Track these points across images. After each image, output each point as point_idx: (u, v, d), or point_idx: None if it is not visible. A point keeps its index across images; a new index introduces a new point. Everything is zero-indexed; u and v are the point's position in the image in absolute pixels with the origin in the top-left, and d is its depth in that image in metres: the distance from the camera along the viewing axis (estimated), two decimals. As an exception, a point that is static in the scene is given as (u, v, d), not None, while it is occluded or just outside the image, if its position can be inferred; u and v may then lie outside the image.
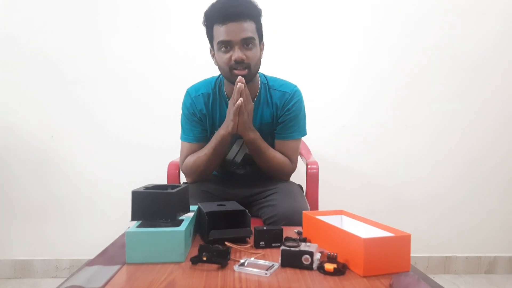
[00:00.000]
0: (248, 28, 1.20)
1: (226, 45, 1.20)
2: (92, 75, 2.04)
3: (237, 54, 1.19)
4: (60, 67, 2.03)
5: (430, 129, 2.14)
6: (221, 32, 1.19)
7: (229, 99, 1.33)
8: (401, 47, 2.09)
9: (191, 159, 1.36)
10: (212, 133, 1.36)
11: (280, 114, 1.35)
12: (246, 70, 1.21)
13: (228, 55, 1.21)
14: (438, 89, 2.12)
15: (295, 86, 1.39)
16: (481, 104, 2.13)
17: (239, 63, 1.20)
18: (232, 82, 1.25)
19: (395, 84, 2.11)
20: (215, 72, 1.40)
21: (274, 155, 1.35)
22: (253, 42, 1.22)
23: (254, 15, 1.23)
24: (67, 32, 2.02)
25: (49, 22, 2.01)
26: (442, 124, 2.13)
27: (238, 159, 1.41)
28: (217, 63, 1.28)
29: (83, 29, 2.02)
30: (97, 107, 2.06)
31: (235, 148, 1.39)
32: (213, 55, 1.30)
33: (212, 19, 1.22)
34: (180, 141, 1.44)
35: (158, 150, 2.01)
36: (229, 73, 1.23)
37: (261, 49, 1.30)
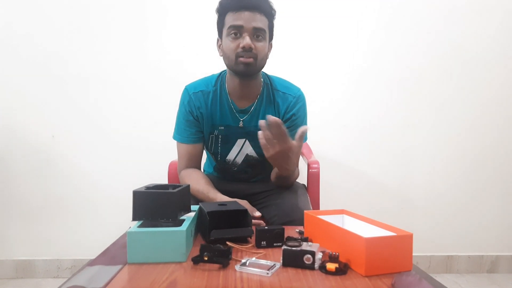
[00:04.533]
0: (260, 19, 1.20)
1: (236, 32, 1.18)
2: (93, 75, 2.05)
3: (246, 41, 1.16)
4: (61, 68, 2.03)
5: (432, 129, 2.13)
6: (233, 17, 1.18)
7: (230, 97, 1.31)
8: (403, 46, 2.09)
9: (186, 179, 1.32)
10: (212, 133, 1.34)
11: (284, 119, 1.32)
12: (252, 59, 1.19)
13: (236, 42, 1.18)
14: (440, 89, 2.12)
15: (299, 90, 1.36)
16: (484, 103, 2.13)
17: (247, 51, 1.18)
18: (237, 71, 1.22)
19: (396, 84, 2.11)
20: (216, 71, 1.39)
21: (295, 173, 1.32)
22: (264, 35, 1.21)
23: (269, 12, 1.23)
24: (68, 33, 2.02)
25: (50, 23, 2.01)
26: (443, 123, 2.13)
27: (239, 160, 1.39)
28: (222, 53, 1.25)
29: (83, 30, 2.02)
30: (98, 107, 2.06)
31: (235, 149, 1.37)
32: (219, 46, 1.27)
33: (226, 6, 1.21)
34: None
35: (159, 150, 2.01)
36: (234, 61, 1.20)
37: (269, 48, 1.29)
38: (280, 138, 1.07)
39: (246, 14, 1.17)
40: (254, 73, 1.24)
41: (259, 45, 1.20)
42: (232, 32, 1.19)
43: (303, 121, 1.35)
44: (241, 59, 1.19)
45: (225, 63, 1.26)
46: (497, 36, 2.09)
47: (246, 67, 1.20)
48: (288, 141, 1.08)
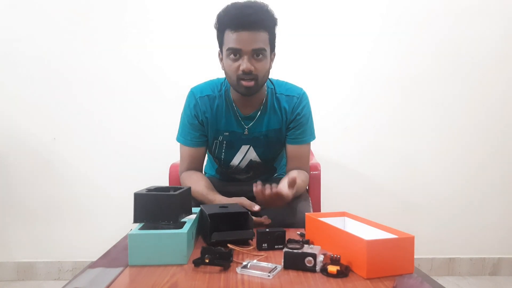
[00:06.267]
0: (260, 38, 1.15)
1: (236, 53, 1.16)
2: (94, 78, 2.05)
3: (245, 64, 1.14)
4: (62, 70, 2.04)
5: (434, 131, 2.13)
6: (231, 39, 1.15)
7: (235, 104, 1.31)
8: (405, 49, 2.09)
9: (186, 180, 1.32)
10: (216, 138, 1.34)
11: (290, 119, 1.33)
12: (253, 82, 1.18)
13: (236, 64, 1.16)
14: (443, 91, 2.11)
15: (301, 89, 1.36)
16: (487, 106, 2.12)
17: (247, 74, 1.16)
18: (238, 92, 1.23)
19: (398, 86, 2.11)
20: (219, 73, 1.39)
21: (303, 184, 1.31)
22: (264, 53, 1.18)
23: (269, 25, 1.18)
24: (69, 35, 2.03)
25: (52, 25, 2.01)
26: (446, 125, 2.13)
27: (243, 165, 1.39)
28: (224, 69, 1.25)
29: (86, 33, 2.03)
30: (99, 110, 2.06)
31: (239, 155, 1.37)
32: (221, 59, 1.26)
33: (224, 24, 1.17)
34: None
35: (160, 152, 2.01)
36: (235, 82, 1.19)
37: (272, 59, 1.27)
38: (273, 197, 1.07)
39: (244, 35, 1.13)
40: (255, 93, 1.24)
41: (259, 65, 1.18)
42: (231, 53, 1.17)
43: (308, 119, 1.35)
44: (242, 82, 1.18)
45: (228, 81, 1.26)
46: (501, 37, 2.09)
47: (247, 90, 1.19)
48: (281, 194, 1.06)
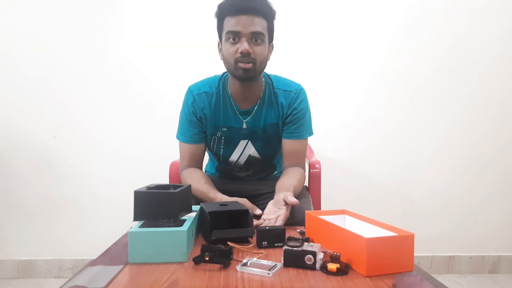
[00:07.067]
0: (259, 23, 1.19)
1: (234, 37, 1.18)
2: (95, 75, 2.05)
3: (244, 46, 1.17)
4: (62, 67, 2.04)
5: (433, 129, 2.13)
6: (231, 23, 1.18)
7: (233, 98, 1.32)
8: (404, 46, 2.09)
9: (186, 178, 1.32)
10: (214, 134, 1.35)
11: (287, 114, 1.33)
12: (251, 64, 1.19)
13: (235, 47, 1.18)
14: (443, 90, 2.11)
15: (299, 85, 1.37)
16: (488, 105, 2.12)
17: (245, 56, 1.18)
18: (236, 76, 1.23)
19: (399, 85, 2.11)
20: (217, 72, 1.39)
21: (300, 184, 1.31)
22: (262, 38, 1.20)
23: (267, 14, 1.22)
24: (70, 32, 2.02)
25: (51, 22, 2.01)
26: (445, 123, 2.13)
27: (242, 161, 1.39)
28: (222, 57, 1.26)
29: (86, 28, 2.03)
30: (99, 107, 2.06)
31: (237, 151, 1.37)
32: (220, 49, 1.28)
33: (224, 10, 1.21)
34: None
35: (160, 150, 2.01)
36: (233, 65, 1.20)
37: (270, 50, 1.28)
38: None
39: (243, 19, 1.17)
40: (253, 77, 1.24)
41: (258, 49, 1.20)
42: (230, 37, 1.19)
43: (305, 114, 1.36)
44: (240, 64, 1.19)
45: (225, 67, 1.27)
46: (501, 35, 2.09)
47: (245, 72, 1.20)
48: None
